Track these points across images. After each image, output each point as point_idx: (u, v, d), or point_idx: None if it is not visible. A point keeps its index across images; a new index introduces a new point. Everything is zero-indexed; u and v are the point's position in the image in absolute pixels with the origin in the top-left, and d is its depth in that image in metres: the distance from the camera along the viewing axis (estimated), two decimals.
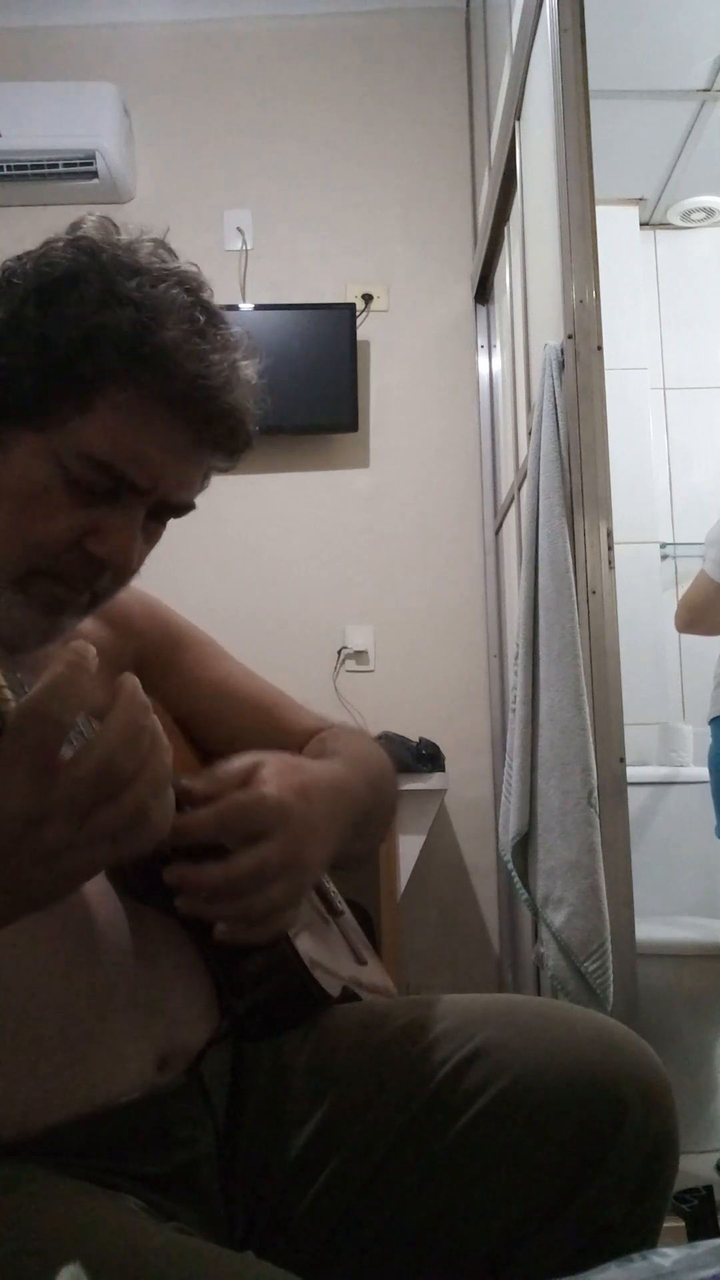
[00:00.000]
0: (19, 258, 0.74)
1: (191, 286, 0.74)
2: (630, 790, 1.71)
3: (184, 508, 0.78)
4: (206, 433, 0.74)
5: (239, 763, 0.74)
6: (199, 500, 0.80)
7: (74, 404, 0.71)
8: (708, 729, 2.35)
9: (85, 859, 0.54)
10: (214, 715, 0.96)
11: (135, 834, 0.55)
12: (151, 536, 0.78)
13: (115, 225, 0.76)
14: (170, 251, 0.76)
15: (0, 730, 0.51)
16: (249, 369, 0.77)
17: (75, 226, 0.75)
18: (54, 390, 0.71)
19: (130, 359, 0.70)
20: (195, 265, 0.77)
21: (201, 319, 0.73)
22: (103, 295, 0.71)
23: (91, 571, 0.73)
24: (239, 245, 2.99)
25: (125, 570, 0.75)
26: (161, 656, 0.95)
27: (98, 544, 0.72)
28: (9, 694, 0.52)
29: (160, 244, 0.76)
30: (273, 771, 0.73)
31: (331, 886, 1.04)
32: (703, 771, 2.39)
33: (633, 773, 1.78)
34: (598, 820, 1.61)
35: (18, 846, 0.51)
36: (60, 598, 0.73)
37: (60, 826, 0.52)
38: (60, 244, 0.73)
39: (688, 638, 2.94)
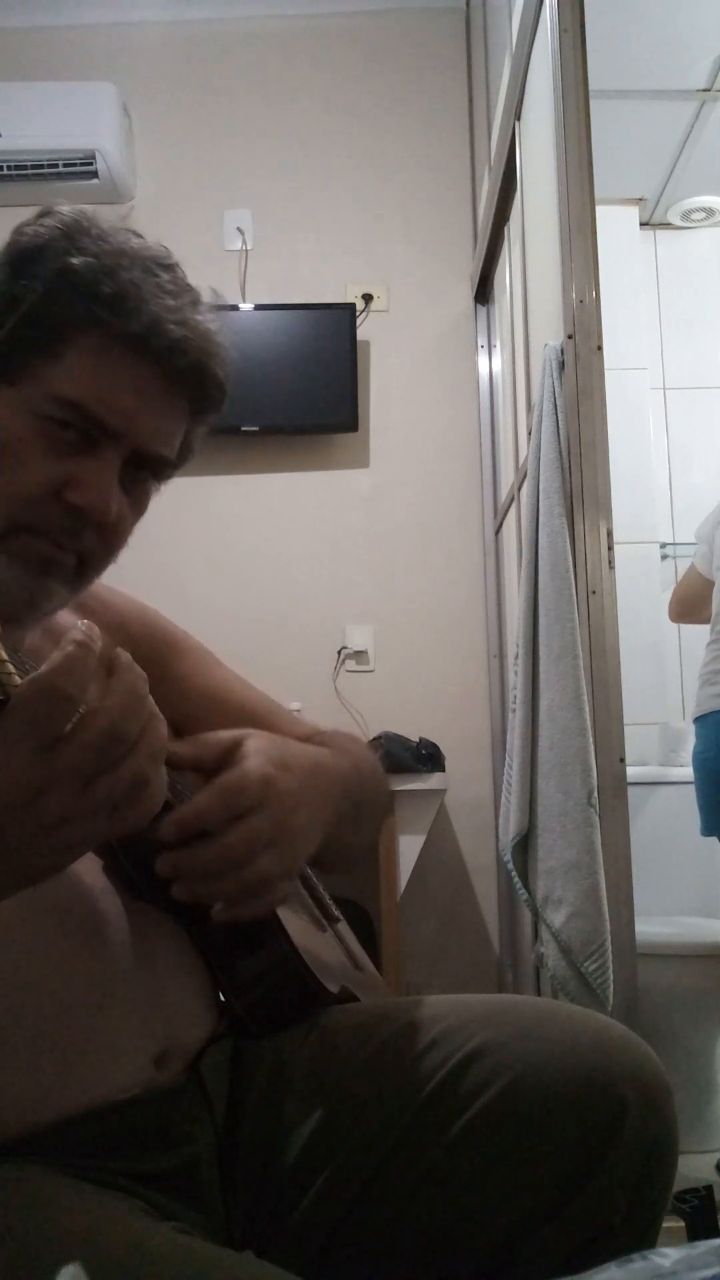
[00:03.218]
0: None
1: (157, 254, 0.77)
2: (630, 790, 1.71)
3: (161, 462, 0.79)
4: (175, 377, 0.76)
5: (223, 734, 0.75)
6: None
7: (43, 354, 0.73)
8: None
9: (84, 831, 0.55)
10: (209, 722, 0.96)
11: (134, 804, 0.56)
12: (137, 501, 0.79)
13: (90, 213, 0.77)
14: (138, 235, 0.78)
15: (5, 703, 0.52)
16: (215, 325, 0.78)
17: (45, 210, 0.77)
18: (23, 342, 0.73)
19: (91, 301, 0.72)
20: (166, 248, 0.79)
21: (162, 274, 0.76)
22: (66, 251, 0.73)
23: (73, 524, 0.74)
24: (239, 245, 2.99)
25: (104, 519, 0.74)
26: (155, 663, 0.95)
27: (76, 493, 0.73)
28: (12, 668, 0.53)
29: (132, 231, 0.78)
30: (255, 745, 0.74)
31: (327, 896, 1.04)
32: None
33: (633, 773, 1.78)
34: (598, 820, 1.61)
35: (18, 817, 0.52)
36: (45, 555, 0.74)
37: (61, 796, 0.53)
38: (30, 223, 0.76)
39: (687, 637, 2.96)
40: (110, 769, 0.54)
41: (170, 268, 0.77)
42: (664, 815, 2.69)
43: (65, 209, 0.76)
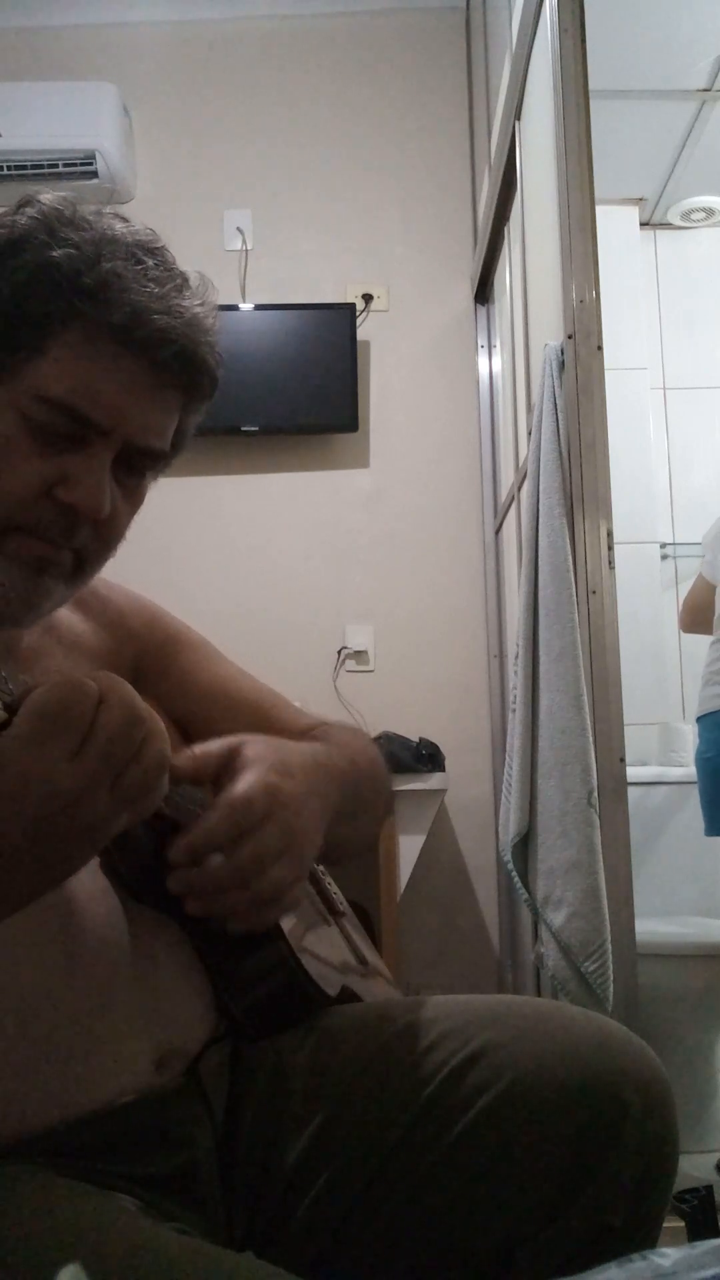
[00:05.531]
0: None
1: (143, 238, 0.75)
2: (630, 790, 1.71)
3: (155, 455, 0.77)
4: (163, 367, 0.73)
5: (219, 743, 0.75)
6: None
7: (27, 350, 0.71)
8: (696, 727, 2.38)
9: (114, 824, 0.57)
10: (211, 716, 0.96)
11: (155, 789, 0.58)
12: (132, 494, 0.78)
13: (72, 200, 0.75)
14: (124, 219, 0.76)
15: (8, 723, 0.53)
16: (203, 310, 0.76)
17: (26, 200, 0.75)
18: (6, 340, 0.71)
19: (72, 293, 0.70)
20: (153, 230, 0.77)
21: (148, 260, 0.73)
22: (46, 244, 0.71)
23: (67, 523, 0.73)
24: (239, 245, 2.99)
25: (98, 516, 0.73)
26: (158, 659, 0.95)
27: (67, 491, 0.72)
28: None
29: (118, 215, 0.76)
30: (254, 752, 0.74)
31: (333, 887, 1.04)
32: None
33: (633, 773, 1.78)
34: (598, 820, 1.61)
35: (67, 821, 0.54)
36: (41, 555, 0.73)
37: (101, 794, 0.55)
38: (9, 213, 0.74)
39: (688, 637, 2.95)
40: (134, 758, 0.56)
41: (155, 251, 0.75)
42: (664, 815, 2.69)
43: (46, 197, 0.74)
